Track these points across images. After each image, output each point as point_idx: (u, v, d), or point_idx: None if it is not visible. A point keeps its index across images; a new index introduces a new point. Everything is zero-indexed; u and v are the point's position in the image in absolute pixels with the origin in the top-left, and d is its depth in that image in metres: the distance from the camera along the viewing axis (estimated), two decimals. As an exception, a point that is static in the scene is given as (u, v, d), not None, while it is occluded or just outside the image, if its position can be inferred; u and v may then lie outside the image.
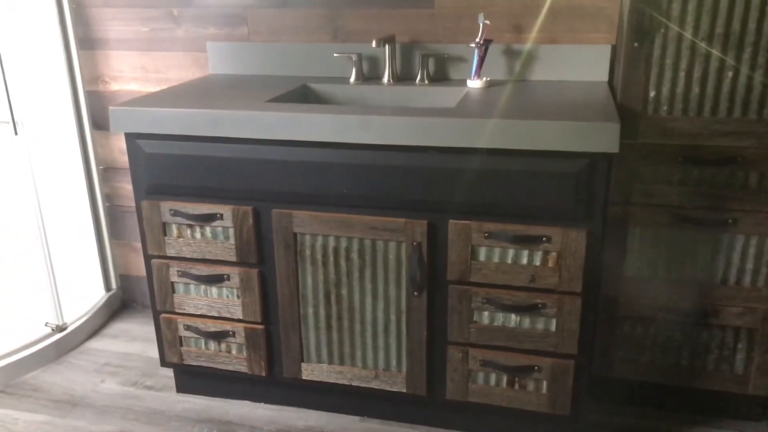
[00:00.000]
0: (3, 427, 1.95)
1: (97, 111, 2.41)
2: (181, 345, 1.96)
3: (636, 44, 1.61)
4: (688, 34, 1.58)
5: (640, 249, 1.76)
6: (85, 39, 2.33)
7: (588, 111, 1.58)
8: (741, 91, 1.59)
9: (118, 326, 2.52)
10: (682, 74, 1.61)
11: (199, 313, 1.90)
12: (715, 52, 1.58)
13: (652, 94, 1.64)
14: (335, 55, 2.09)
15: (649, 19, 1.58)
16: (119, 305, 2.65)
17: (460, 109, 1.65)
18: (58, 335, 2.31)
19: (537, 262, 1.61)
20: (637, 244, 1.75)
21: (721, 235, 1.70)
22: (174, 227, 1.83)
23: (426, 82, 2.01)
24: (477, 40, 1.91)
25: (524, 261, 1.62)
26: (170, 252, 1.85)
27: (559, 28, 1.95)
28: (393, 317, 1.75)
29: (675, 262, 1.75)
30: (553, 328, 1.65)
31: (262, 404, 2.03)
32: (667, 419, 1.91)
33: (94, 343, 2.40)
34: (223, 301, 1.87)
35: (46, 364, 2.25)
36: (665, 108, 1.65)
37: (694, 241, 1.72)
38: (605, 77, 1.94)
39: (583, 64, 1.95)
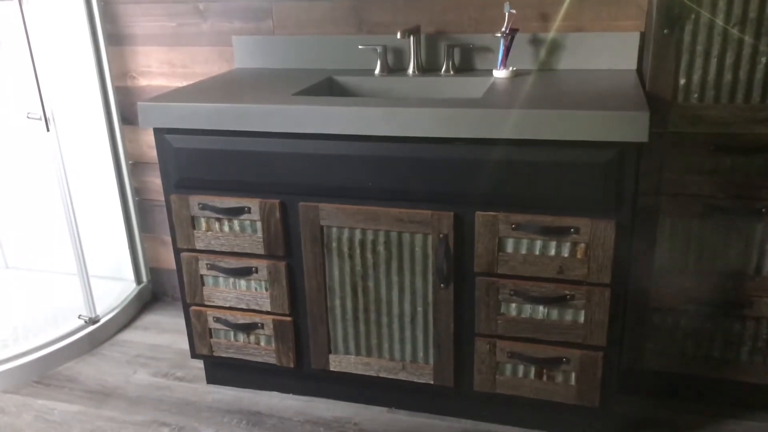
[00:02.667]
0: (39, 416, 1.99)
1: (125, 106, 2.44)
2: (211, 337, 1.98)
3: (665, 31, 1.58)
4: (719, 20, 1.54)
5: (671, 240, 1.73)
6: (113, 35, 2.36)
7: (616, 100, 1.56)
8: (775, 77, 1.55)
9: (149, 318, 2.56)
10: (713, 61, 1.58)
11: (228, 305, 1.92)
12: (748, 38, 1.54)
13: (682, 81, 1.62)
14: (360, 47, 2.08)
15: (679, 5, 1.55)
16: (150, 298, 2.69)
17: (487, 99, 1.64)
18: (91, 327, 2.35)
19: (565, 253, 1.59)
20: (667, 234, 1.73)
21: (754, 225, 1.67)
22: (203, 221, 1.85)
23: (451, 72, 2.00)
24: (503, 29, 1.89)
25: (552, 252, 1.60)
26: (199, 245, 1.87)
27: (587, 16, 1.92)
28: (420, 309, 1.75)
29: (706, 252, 1.72)
30: (581, 319, 1.64)
31: (291, 395, 2.05)
32: (697, 411, 1.89)
33: (126, 335, 2.44)
34: (251, 294, 1.88)
35: (80, 356, 2.30)
36: (696, 96, 1.62)
37: (726, 232, 1.69)
38: (634, 65, 1.91)
39: (611, 53, 1.92)
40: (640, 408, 1.91)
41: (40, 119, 2.15)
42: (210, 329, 1.97)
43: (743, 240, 1.68)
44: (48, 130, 2.17)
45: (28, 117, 2.16)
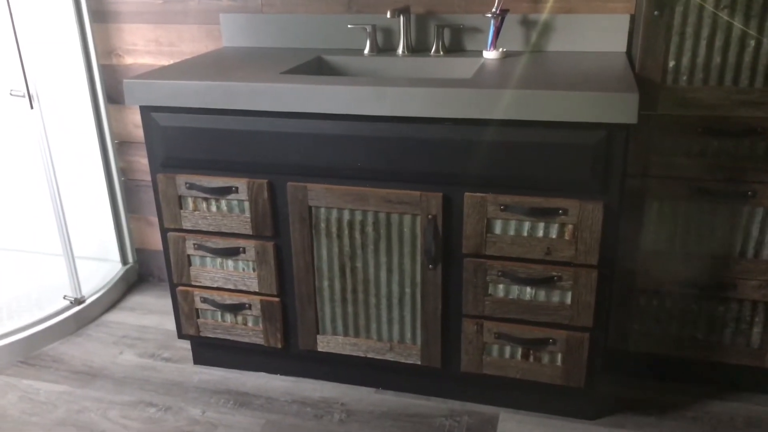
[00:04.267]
0: (25, 396, 1.98)
1: (111, 85, 2.41)
2: (198, 317, 1.97)
3: (656, 13, 1.58)
4: (709, 2, 1.54)
5: (658, 222, 1.74)
6: (98, 12, 2.32)
7: (606, 81, 1.56)
8: (763, 60, 1.56)
9: (135, 299, 2.54)
10: (702, 43, 1.58)
11: (215, 285, 1.91)
12: (737, 21, 1.54)
13: (671, 63, 1.62)
14: (349, 26, 2.06)
15: (669, -13, 1.55)
16: (136, 278, 2.68)
17: (476, 80, 1.63)
18: (77, 308, 2.34)
19: (553, 234, 1.60)
20: (654, 216, 1.74)
21: (740, 208, 1.68)
22: (190, 200, 1.84)
23: (441, 53, 1.99)
24: (493, 9, 1.88)
25: (540, 234, 1.61)
26: (186, 225, 1.86)
27: (577, -2, 1.92)
28: (408, 290, 1.76)
29: (693, 235, 1.73)
30: (568, 300, 1.65)
31: (279, 376, 2.05)
32: (682, 392, 1.91)
33: (112, 316, 2.42)
34: (239, 274, 1.88)
35: (66, 337, 2.28)
36: (685, 78, 1.62)
37: (713, 214, 1.70)
38: (623, 48, 1.91)
39: (601, 34, 1.91)
40: (625, 389, 1.93)
41: (23, 96, 2.12)
42: (197, 309, 1.96)
43: (729, 223, 1.70)
44: (32, 107, 2.14)
45: (11, 94, 2.13)
